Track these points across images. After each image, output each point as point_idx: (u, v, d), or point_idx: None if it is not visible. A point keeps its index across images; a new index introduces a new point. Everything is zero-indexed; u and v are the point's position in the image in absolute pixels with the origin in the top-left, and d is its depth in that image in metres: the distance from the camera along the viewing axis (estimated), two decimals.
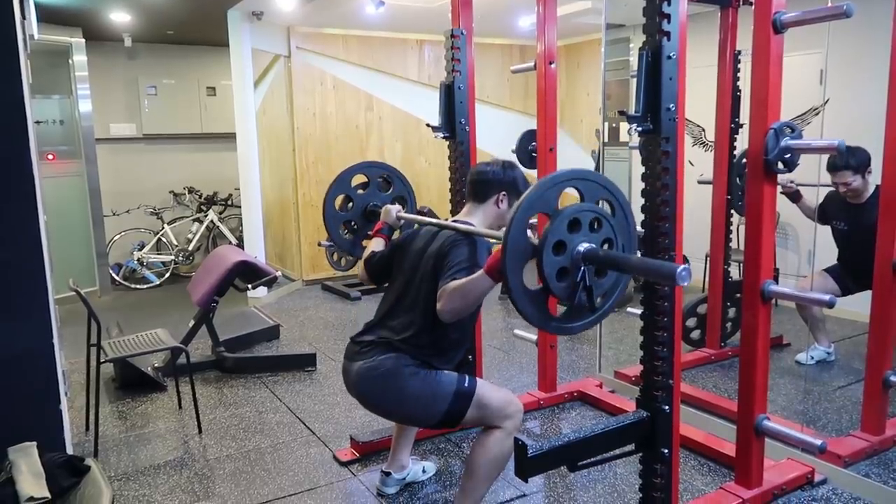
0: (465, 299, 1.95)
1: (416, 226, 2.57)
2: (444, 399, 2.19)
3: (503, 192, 2.35)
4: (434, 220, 2.46)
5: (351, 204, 2.95)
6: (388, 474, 2.68)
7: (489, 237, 2.20)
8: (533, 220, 1.75)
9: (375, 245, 2.61)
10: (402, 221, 2.70)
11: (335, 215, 2.92)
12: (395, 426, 2.72)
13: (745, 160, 3.74)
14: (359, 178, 2.98)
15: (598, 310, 1.78)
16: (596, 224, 1.74)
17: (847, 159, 3.37)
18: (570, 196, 1.76)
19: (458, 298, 1.96)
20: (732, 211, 3.87)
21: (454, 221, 2.37)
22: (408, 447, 2.72)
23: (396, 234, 2.69)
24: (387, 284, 2.49)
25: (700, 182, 3.88)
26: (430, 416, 2.23)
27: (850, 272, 3.62)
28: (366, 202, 2.95)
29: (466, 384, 2.22)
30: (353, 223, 2.96)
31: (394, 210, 2.70)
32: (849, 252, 3.65)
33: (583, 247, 1.70)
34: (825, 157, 3.40)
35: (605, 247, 1.77)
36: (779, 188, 2.48)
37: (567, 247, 1.69)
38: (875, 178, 3.28)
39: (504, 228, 1.69)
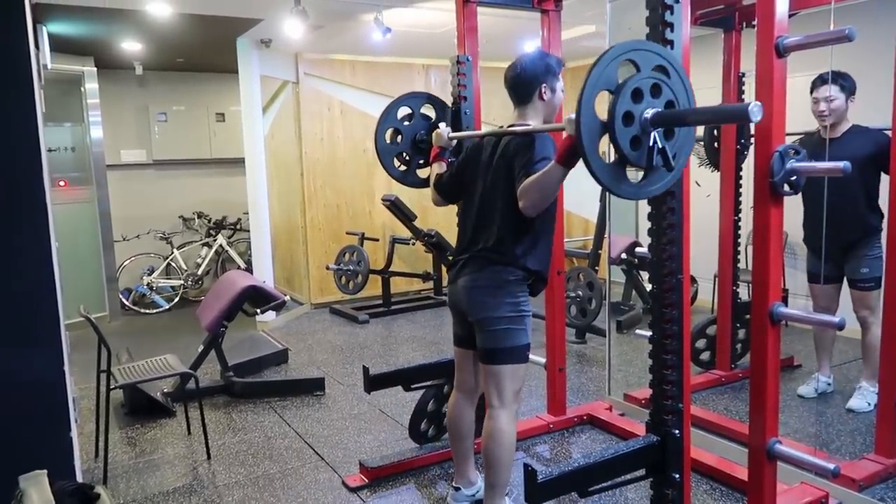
0: (541, 191, 2.13)
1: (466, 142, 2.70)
2: (516, 338, 2.39)
3: (543, 84, 2.41)
4: (492, 131, 2.56)
5: (400, 137, 2.97)
6: (457, 489, 2.70)
7: (550, 131, 2.32)
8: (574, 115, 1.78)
9: (438, 168, 2.74)
10: (455, 141, 2.80)
11: (387, 148, 2.95)
12: (450, 440, 2.73)
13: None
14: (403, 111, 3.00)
15: (675, 168, 1.84)
16: (655, 90, 1.79)
17: (835, 77, 3.22)
18: None
19: (535, 192, 2.14)
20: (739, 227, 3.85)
21: (510, 126, 2.45)
22: (470, 459, 2.71)
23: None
24: (461, 201, 2.63)
25: None
26: (500, 339, 2.39)
27: (824, 231, 3.33)
28: (413, 132, 2.97)
29: (528, 353, 2.46)
30: (404, 154, 2.99)
31: (445, 131, 2.79)
32: (821, 200, 3.22)
33: (648, 113, 1.75)
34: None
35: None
36: None
37: (634, 116, 1.75)
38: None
39: (565, 118, 1.90)
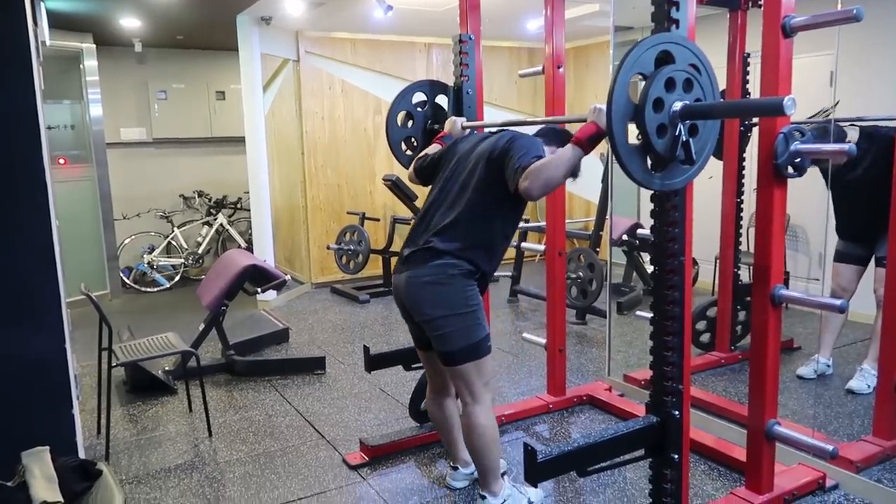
0: (556, 171, 2.04)
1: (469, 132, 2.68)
2: (471, 334, 2.29)
3: (550, 147, 2.34)
4: (508, 121, 2.56)
5: (411, 122, 2.96)
6: (455, 468, 2.73)
7: (571, 122, 2.34)
8: (601, 105, 1.82)
9: (430, 149, 2.69)
10: (468, 132, 2.76)
11: (397, 131, 2.93)
12: (437, 431, 2.75)
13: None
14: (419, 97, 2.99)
15: (696, 163, 1.85)
16: (687, 85, 1.80)
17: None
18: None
19: (545, 172, 2.04)
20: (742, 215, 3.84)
21: None
22: (460, 444, 2.68)
23: None
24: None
25: None
26: (454, 340, 2.29)
27: (851, 222, 3.44)
28: (425, 119, 2.96)
29: (489, 343, 2.35)
30: (412, 139, 2.97)
31: (459, 121, 2.78)
32: (844, 193, 3.37)
33: (678, 105, 1.76)
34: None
35: None
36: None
37: (664, 104, 1.76)
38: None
39: (591, 108, 1.94)
